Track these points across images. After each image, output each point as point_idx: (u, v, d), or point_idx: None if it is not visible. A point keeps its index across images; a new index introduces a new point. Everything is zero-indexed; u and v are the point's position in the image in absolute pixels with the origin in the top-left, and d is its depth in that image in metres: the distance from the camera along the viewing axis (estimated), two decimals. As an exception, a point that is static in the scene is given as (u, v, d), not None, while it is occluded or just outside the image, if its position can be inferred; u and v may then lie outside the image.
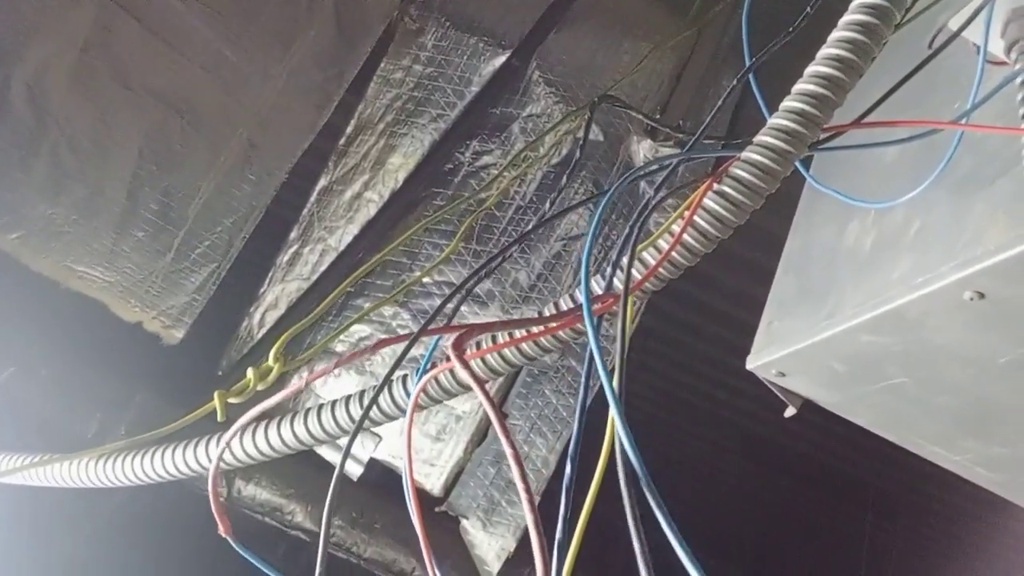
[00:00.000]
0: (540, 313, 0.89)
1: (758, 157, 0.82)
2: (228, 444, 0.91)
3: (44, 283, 2.25)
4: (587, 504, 0.73)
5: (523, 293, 2.43)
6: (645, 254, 0.89)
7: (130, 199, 2.21)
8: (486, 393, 0.70)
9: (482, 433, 2.36)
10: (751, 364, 1.33)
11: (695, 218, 0.85)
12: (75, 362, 2.45)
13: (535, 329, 0.82)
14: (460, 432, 2.36)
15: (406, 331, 2.46)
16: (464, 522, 2.42)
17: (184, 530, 2.52)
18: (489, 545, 2.38)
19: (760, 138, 0.84)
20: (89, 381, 2.48)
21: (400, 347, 0.96)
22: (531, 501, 0.64)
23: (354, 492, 2.60)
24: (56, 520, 2.33)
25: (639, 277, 0.84)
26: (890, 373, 1.22)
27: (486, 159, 2.50)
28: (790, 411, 1.34)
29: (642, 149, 2.52)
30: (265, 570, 0.80)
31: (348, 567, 2.62)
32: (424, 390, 0.90)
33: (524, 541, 2.32)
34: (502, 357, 0.88)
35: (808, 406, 1.38)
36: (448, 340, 0.71)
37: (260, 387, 1.06)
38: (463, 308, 2.44)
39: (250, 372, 1.05)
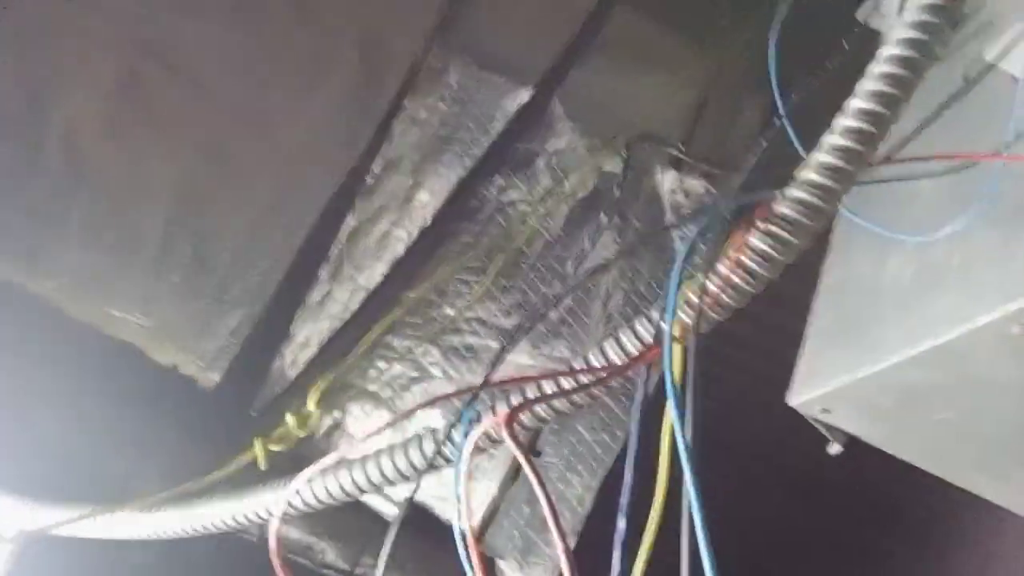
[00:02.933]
0: (587, 360, 0.89)
1: (806, 196, 0.82)
2: (297, 493, 0.92)
3: (80, 325, 2.27)
4: (640, 562, 0.72)
5: (552, 328, 2.43)
6: (692, 296, 0.88)
7: (165, 243, 2.23)
8: (534, 467, 0.69)
9: (515, 472, 2.35)
10: (793, 401, 1.32)
11: (742, 258, 0.84)
12: (106, 402, 2.46)
13: (584, 380, 0.82)
14: (493, 471, 2.34)
15: (436, 367, 2.46)
16: (500, 563, 2.40)
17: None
18: (526, 585, 2.36)
19: (807, 176, 0.84)
20: (120, 421, 2.49)
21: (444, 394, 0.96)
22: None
23: (384, 531, 2.58)
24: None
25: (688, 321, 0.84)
26: (937, 407, 1.20)
27: (512, 194, 2.51)
28: (835, 448, 1.33)
29: (667, 180, 2.52)
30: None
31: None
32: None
33: (561, 579, 2.28)
34: (552, 408, 0.88)
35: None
36: (500, 415, 0.71)
37: (300, 433, 1.07)
38: (493, 343, 2.43)
39: (289, 419, 1.06)
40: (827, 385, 1.24)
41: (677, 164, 2.51)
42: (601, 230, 2.45)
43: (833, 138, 0.88)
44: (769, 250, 0.85)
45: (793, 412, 1.33)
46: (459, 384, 0.79)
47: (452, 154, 2.49)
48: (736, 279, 0.85)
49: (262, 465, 1.02)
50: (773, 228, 0.86)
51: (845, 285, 1.42)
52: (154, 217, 2.21)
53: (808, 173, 0.87)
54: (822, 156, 0.87)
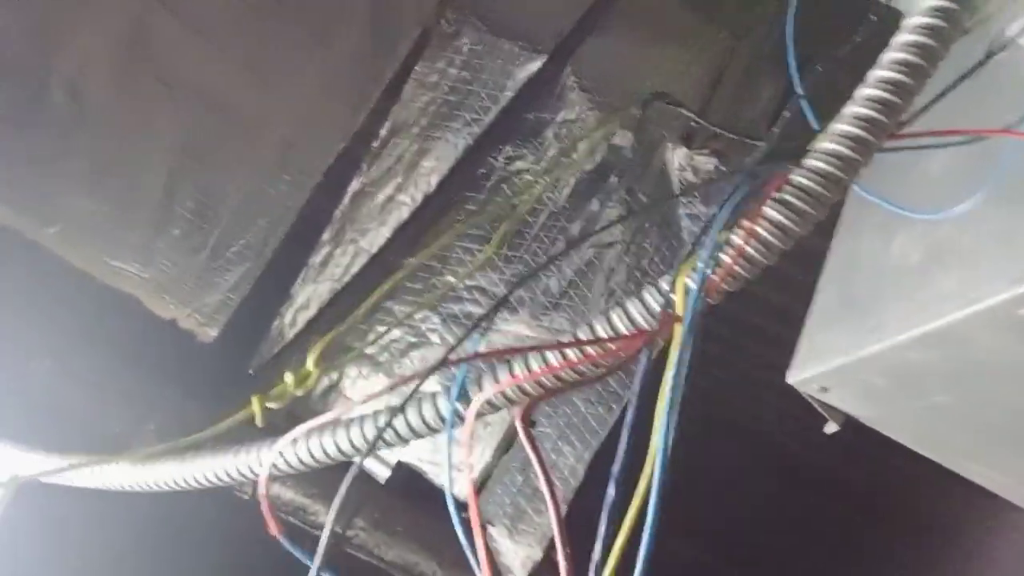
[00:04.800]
0: (593, 330, 0.87)
1: (824, 166, 0.80)
2: (282, 452, 0.91)
3: (79, 276, 2.26)
4: (624, 530, 0.72)
5: (554, 300, 2.42)
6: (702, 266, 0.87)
7: (167, 196, 2.22)
8: (539, 455, 0.69)
9: (509, 440, 2.35)
10: (792, 378, 1.31)
11: (756, 228, 0.83)
12: (107, 357, 2.45)
13: (592, 351, 0.81)
14: (488, 438, 2.34)
15: (435, 334, 2.45)
16: (491, 529, 2.40)
17: (215, 536, 2.50)
18: (515, 553, 2.36)
19: (825, 145, 0.82)
20: (120, 377, 2.48)
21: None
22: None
23: (378, 494, 2.58)
24: (87, 526, 2.31)
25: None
26: (935, 390, 1.19)
27: (519, 164, 2.49)
28: (831, 427, 1.32)
29: (677, 157, 2.49)
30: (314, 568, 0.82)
31: (371, 569, 2.61)
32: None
33: (550, 550, 2.29)
34: (558, 378, 0.86)
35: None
36: (504, 382, 0.71)
37: (298, 392, 1.06)
38: (493, 314, 2.42)
39: (288, 377, 1.05)
40: (826, 364, 1.24)
41: (688, 141, 2.48)
42: (607, 204, 2.43)
43: (854, 107, 0.85)
44: (784, 220, 0.82)
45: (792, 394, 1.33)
46: (457, 352, 0.79)
47: (461, 121, 2.47)
48: (750, 249, 0.83)
49: (259, 422, 1.01)
50: (788, 198, 0.84)
51: (851, 263, 1.41)
52: (157, 168, 2.20)
53: (826, 143, 0.85)
54: (842, 125, 0.84)
